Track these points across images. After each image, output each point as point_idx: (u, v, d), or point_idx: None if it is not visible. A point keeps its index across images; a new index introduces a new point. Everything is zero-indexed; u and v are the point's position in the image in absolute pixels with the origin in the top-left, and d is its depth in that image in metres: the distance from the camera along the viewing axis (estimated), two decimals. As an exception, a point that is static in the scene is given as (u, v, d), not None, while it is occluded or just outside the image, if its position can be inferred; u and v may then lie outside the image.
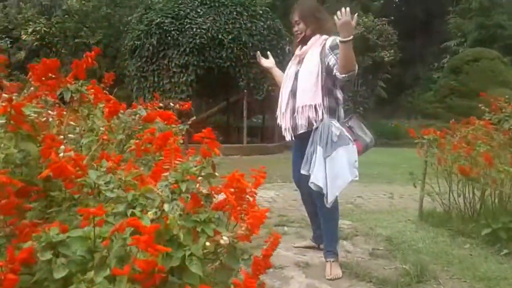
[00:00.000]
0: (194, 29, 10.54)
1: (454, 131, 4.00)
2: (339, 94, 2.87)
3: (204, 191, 0.97)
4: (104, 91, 2.14)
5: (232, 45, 10.66)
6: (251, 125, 13.36)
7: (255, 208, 0.97)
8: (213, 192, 1.02)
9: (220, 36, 10.60)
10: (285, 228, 3.86)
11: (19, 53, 20.90)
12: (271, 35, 11.39)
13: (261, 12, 11.53)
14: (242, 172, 1.26)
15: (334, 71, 2.73)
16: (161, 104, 1.89)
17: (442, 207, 4.05)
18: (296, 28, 3.01)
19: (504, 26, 17.59)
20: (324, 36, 2.89)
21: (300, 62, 2.94)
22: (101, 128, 1.42)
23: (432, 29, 26.29)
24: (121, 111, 1.57)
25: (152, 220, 0.82)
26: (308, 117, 2.79)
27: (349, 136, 2.77)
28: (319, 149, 2.70)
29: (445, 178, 3.96)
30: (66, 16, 16.23)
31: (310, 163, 2.74)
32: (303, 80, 2.85)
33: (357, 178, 2.76)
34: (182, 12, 10.83)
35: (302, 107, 2.81)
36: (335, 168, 2.65)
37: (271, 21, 11.56)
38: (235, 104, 13.45)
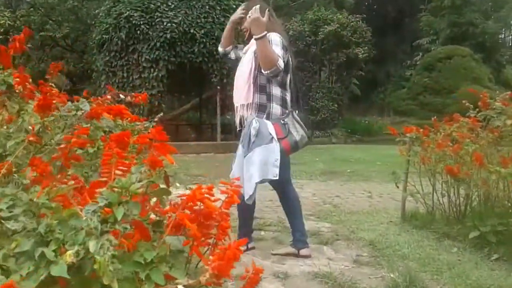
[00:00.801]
0: (165, 23, 10.17)
1: (438, 129, 3.80)
2: (274, 90, 2.86)
3: (153, 216, 0.69)
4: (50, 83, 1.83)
5: (204, 40, 10.33)
6: (224, 122, 13.04)
7: (226, 239, 0.69)
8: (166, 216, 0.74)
9: (192, 31, 10.25)
10: (262, 233, 3.59)
11: (-18, 48, 20.06)
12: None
13: (234, 6, 11.19)
14: (211, 184, 0.99)
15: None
16: (109, 96, 1.60)
17: (425, 207, 3.85)
18: (242, 26, 3.02)
19: (476, 24, 17.72)
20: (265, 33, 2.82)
21: None
22: (29, 127, 1.12)
23: (404, 27, 26.47)
24: (60, 106, 1.26)
25: (70, 266, 0.54)
26: (242, 116, 2.87)
27: (273, 135, 2.74)
28: (240, 147, 2.78)
29: (429, 177, 3.76)
30: (31, 9, 15.59)
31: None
32: (238, 79, 2.93)
33: (276, 178, 2.68)
34: (152, 5, 10.43)
35: (237, 106, 2.89)
36: (250, 169, 2.68)
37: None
38: (208, 100, 13.11)
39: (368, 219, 4.10)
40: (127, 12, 10.29)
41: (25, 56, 16.46)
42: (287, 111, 2.89)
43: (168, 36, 10.10)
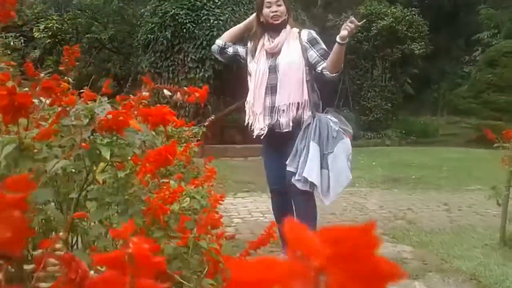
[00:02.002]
0: (211, 21, 9.71)
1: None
2: (317, 89, 2.82)
3: None
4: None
5: (252, 37, 9.80)
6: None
7: None
8: None
9: (239, 28, 9.74)
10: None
11: (34, 52, 20.57)
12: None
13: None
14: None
15: (319, 68, 2.68)
16: (145, 93, 1.05)
17: (533, 230, 3.13)
18: (275, 9, 2.74)
19: (543, 15, 16.34)
20: (295, 29, 2.82)
21: (273, 55, 2.74)
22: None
23: (458, 21, 24.99)
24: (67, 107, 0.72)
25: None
26: (295, 115, 2.66)
27: (342, 130, 2.72)
28: (314, 146, 2.58)
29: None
30: (79, 11, 15.60)
31: (299, 160, 2.61)
32: (286, 75, 2.69)
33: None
34: (198, 2, 9.98)
35: (289, 104, 2.67)
36: (338, 165, 2.59)
37: (294, 11, 10.64)
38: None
39: (456, 241, 3.42)
40: (173, 11, 9.90)
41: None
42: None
43: (215, 34, 9.61)
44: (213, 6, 9.91)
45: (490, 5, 19.35)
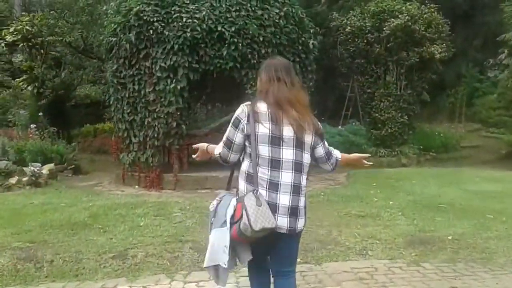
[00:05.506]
0: (185, 19, 7.71)
1: None
2: None
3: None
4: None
5: (236, 39, 7.78)
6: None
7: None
8: None
9: (219, 28, 7.73)
10: None
11: (16, 57, 19.00)
12: (289, 26, 8.42)
13: (274, -5, 8.59)
14: None
15: None
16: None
17: None
18: None
19: None
20: None
21: None
22: None
23: (475, 20, 22.92)
24: None
25: None
26: None
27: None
28: None
29: None
30: (51, 12, 13.77)
31: None
32: None
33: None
34: (169, -4, 8.03)
35: None
36: None
37: (289, 8, 8.57)
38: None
39: None
40: (138, 7, 7.93)
41: (45, 65, 14.72)
42: None
43: (189, 36, 7.64)
44: (187, 2, 7.93)
45: (516, 2, 17.16)
